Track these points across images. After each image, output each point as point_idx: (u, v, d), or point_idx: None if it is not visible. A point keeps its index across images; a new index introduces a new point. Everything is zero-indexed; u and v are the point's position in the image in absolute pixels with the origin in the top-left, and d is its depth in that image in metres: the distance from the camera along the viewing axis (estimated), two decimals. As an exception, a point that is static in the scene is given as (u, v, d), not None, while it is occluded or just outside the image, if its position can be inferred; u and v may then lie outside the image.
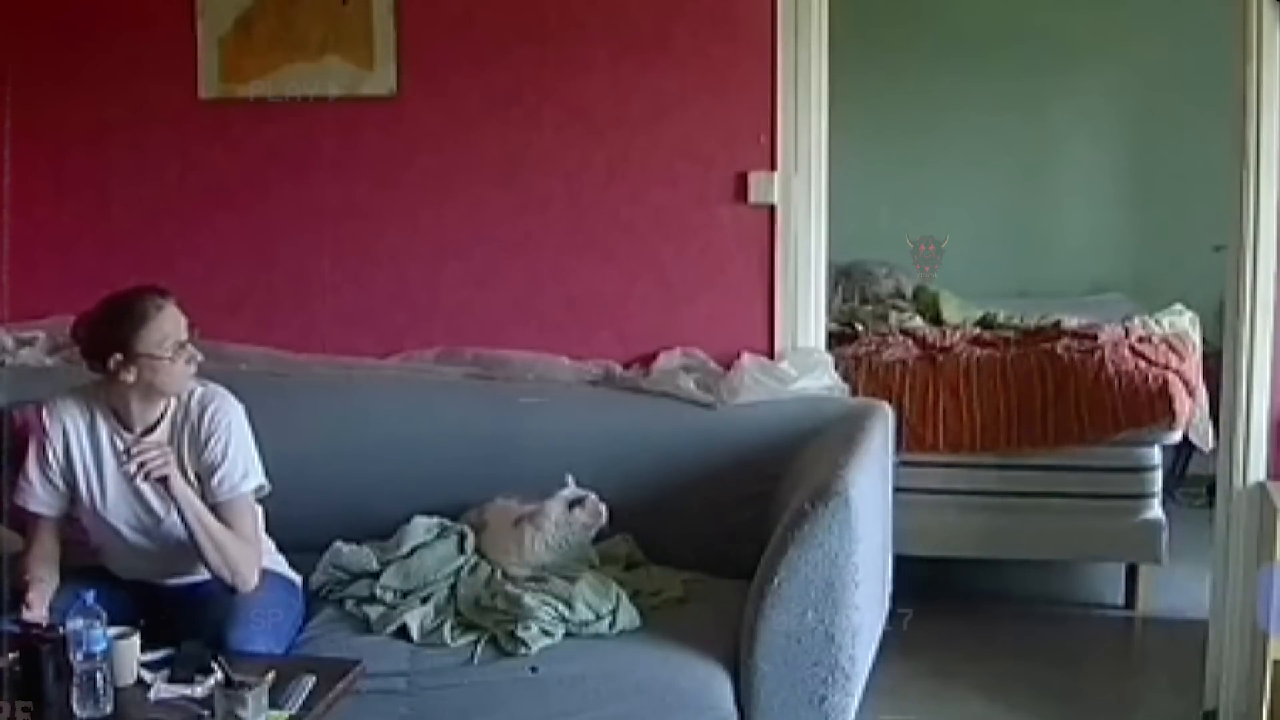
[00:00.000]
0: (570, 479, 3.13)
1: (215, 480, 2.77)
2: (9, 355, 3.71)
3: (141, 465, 2.65)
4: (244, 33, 3.65)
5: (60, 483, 2.80)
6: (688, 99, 3.48)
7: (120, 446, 2.75)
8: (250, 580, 2.75)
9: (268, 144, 3.70)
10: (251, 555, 2.78)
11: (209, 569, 2.74)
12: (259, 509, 2.87)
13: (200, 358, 2.79)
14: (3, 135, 3.50)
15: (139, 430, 2.79)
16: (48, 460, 2.79)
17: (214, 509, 2.76)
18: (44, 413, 2.81)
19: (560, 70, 3.54)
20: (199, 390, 2.83)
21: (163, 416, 2.80)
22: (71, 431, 2.79)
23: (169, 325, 2.73)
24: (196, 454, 2.79)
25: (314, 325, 3.69)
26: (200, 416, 2.79)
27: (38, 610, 2.61)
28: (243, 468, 2.80)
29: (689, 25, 3.47)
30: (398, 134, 3.63)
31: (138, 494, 2.78)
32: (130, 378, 2.72)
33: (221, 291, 3.67)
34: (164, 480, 2.67)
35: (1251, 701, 3.30)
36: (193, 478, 2.78)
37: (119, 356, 2.70)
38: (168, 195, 3.77)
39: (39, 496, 2.80)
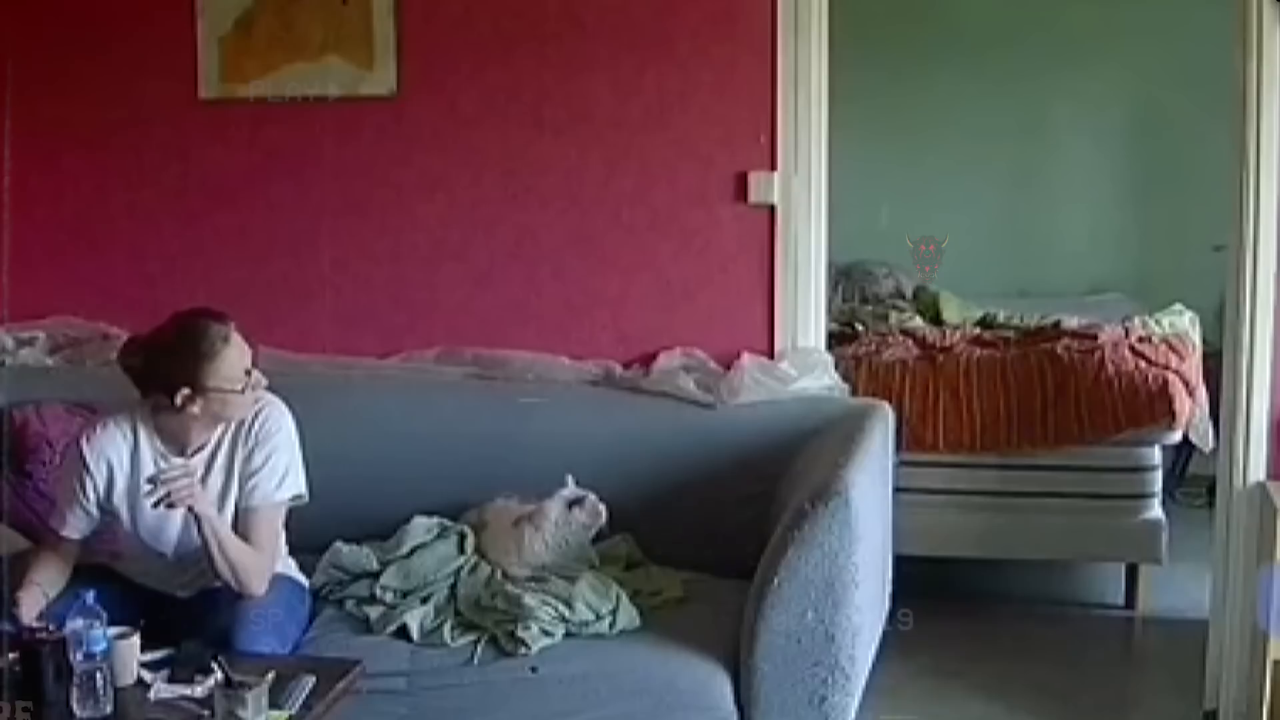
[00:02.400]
0: (570, 479, 3.13)
1: (250, 484, 2.76)
2: (9, 355, 3.71)
3: (167, 494, 2.61)
4: (244, 33, 3.65)
5: (95, 511, 2.77)
6: (688, 99, 3.48)
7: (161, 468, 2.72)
8: (258, 589, 2.73)
9: (268, 144, 3.70)
10: (263, 566, 2.75)
11: (217, 576, 2.73)
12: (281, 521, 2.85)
13: (266, 382, 2.77)
14: (3, 135, 3.51)
15: (190, 451, 2.76)
16: (85, 494, 2.74)
17: (242, 511, 2.76)
18: (84, 443, 2.74)
19: (560, 70, 3.54)
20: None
21: (221, 438, 2.78)
22: (115, 463, 2.74)
23: (237, 356, 2.70)
24: (244, 460, 2.77)
25: (313, 325, 3.69)
26: (251, 425, 2.78)
27: (25, 613, 2.58)
28: (279, 476, 2.78)
29: (689, 25, 3.47)
30: (397, 134, 3.63)
31: (186, 524, 2.73)
32: (196, 410, 2.69)
33: (221, 291, 3.65)
34: (189, 509, 2.65)
35: (1251, 701, 3.30)
36: (236, 485, 2.77)
37: (187, 391, 2.66)
38: (167, 195, 3.77)
39: (70, 524, 2.77)
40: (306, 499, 2.86)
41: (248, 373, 2.72)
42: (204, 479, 2.75)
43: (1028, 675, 3.78)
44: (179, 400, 2.67)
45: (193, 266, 3.74)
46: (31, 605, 2.62)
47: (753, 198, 3.47)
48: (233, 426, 2.78)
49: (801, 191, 3.46)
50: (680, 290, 3.55)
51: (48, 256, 3.80)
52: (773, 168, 3.45)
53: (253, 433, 2.78)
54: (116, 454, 2.75)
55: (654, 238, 3.55)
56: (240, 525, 2.76)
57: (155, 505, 2.63)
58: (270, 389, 2.83)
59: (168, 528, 2.76)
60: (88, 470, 2.73)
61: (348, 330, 3.70)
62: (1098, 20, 6.14)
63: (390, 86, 3.61)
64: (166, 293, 3.71)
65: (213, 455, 2.78)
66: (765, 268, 3.50)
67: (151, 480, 2.64)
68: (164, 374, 2.68)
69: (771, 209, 3.47)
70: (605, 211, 3.57)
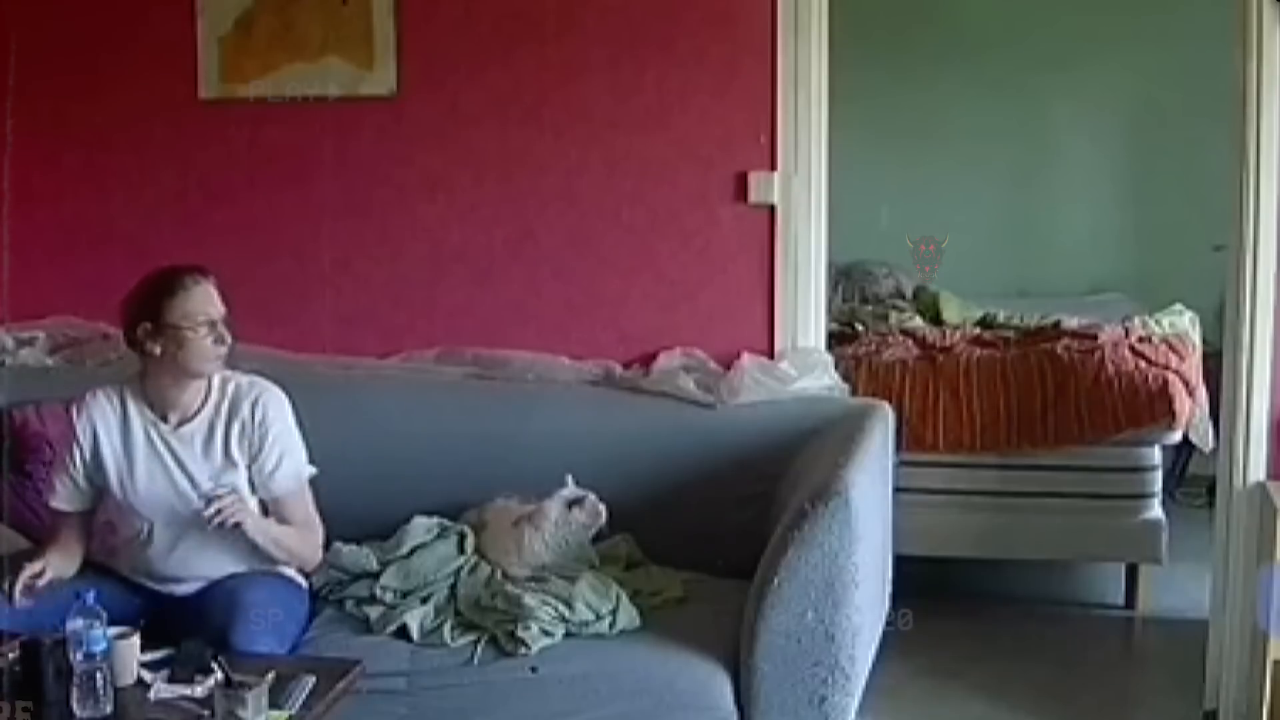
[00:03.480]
0: (570, 479, 3.13)
1: (277, 479, 2.83)
2: (9, 355, 3.71)
3: (217, 512, 2.66)
4: (244, 33, 3.66)
5: (84, 482, 2.81)
6: (688, 99, 3.48)
7: (156, 441, 2.77)
8: (317, 559, 2.92)
9: (268, 144, 3.70)
10: (314, 539, 2.90)
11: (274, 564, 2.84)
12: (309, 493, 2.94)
13: (229, 340, 2.78)
14: (3, 135, 3.50)
15: (175, 420, 2.80)
16: (74, 460, 2.80)
17: (275, 501, 2.83)
18: (73, 413, 2.81)
19: (560, 70, 3.54)
20: (244, 381, 2.85)
21: (202, 406, 2.81)
22: (101, 428, 2.79)
23: (201, 300, 2.74)
24: (246, 448, 2.81)
25: (314, 325, 3.69)
26: (250, 412, 2.81)
27: (24, 575, 2.63)
28: (298, 460, 2.87)
29: (689, 25, 3.47)
30: (397, 134, 3.63)
31: (173, 487, 2.78)
32: (157, 350, 2.73)
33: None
34: (238, 525, 2.70)
35: (1251, 701, 3.30)
36: (242, 466, 2.81)
37: (147, 325, 2.72)
38: (168, 195, 3.77)
39: (60, 494, 2.82)
40: (314, 471, 2.92)
41: (212, 324, 2.74)
42: (203, 458, 2.79)
43: (1028, 675, 3.78)
44: (139, 334, 2.72)
45: (193, 266, 3.74)
46: (34, 568, 2.65)
47: (753, 198, 3.47)
48: (225, 407, 2.80)
49: (801, 191, 3.46)
50: (680, 290, 3.55)
51: (48, 256, 3.80)
52: (773, 168, 3.45)
53: (255, 422, 2.81)
54: (104, 422, 2.79)
55: (654, 238, 3.55)
56: (277, 513, 2.84)
57: (209, 524, 2.67)
58: (264, 377, 2.89)
59: (158, 495, 2.79)
60: (75, 439, 2.79)
61: (348, 330, 3.70)
62: (1098, 21, 6.15)
63: (390, 86, 3.61)
64: (167, 293, 3.72)
65: (208, 438, 2.80)
66: (765, 268, 3.50)
67: (207, 501, 2.68)
68: (132, 312, 2.74)
69: (771, 209, 3.47)
70: (605, 211, 3.57)
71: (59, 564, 2.76)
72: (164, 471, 2.79)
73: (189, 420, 2.81)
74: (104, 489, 2.81)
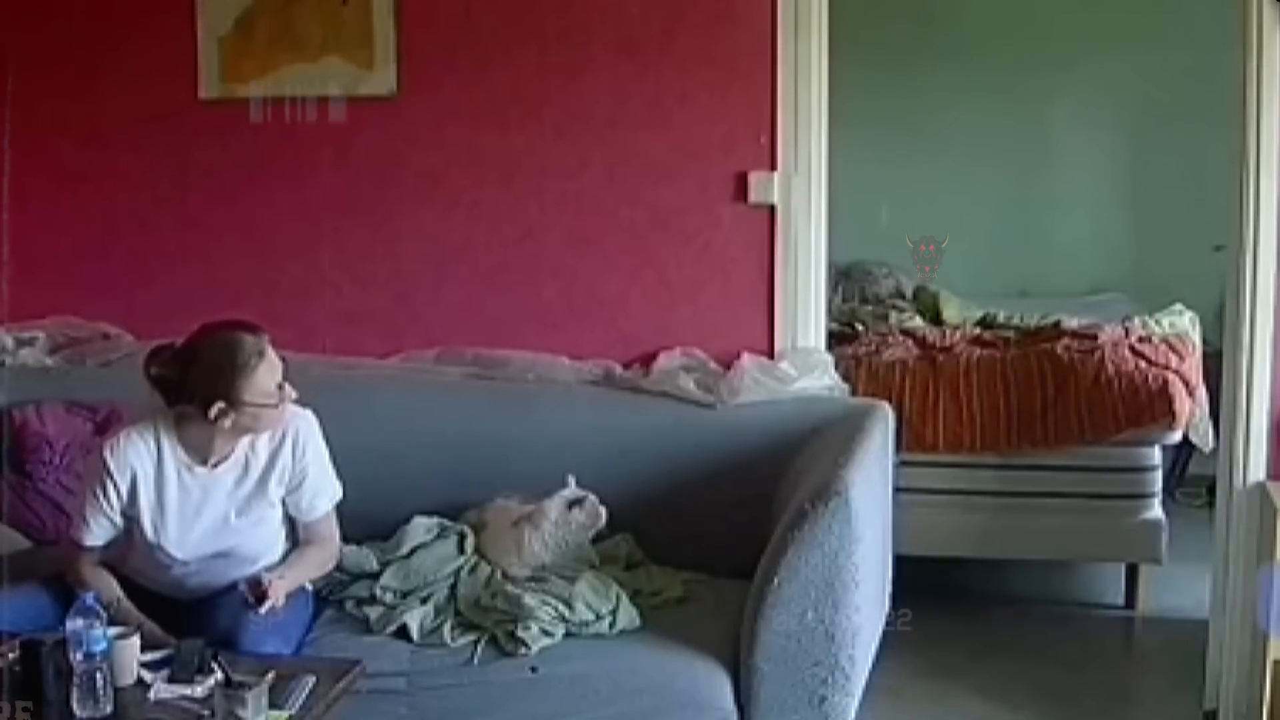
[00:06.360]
0: (571, 479, 3.13)
1: (316, 507, 2.89)
2: (9, 355, 3.71)
3: (262, 599, 2.67)
4: (244, 33, 3.65)
5: (119, 519, 2.76)
6: (688, 99, 3.48)
7: (190, 484, 2.76)
8: (331, 569, 2.97)
9: (268, 143, 3.70)
10: (333, 549, 2.95)
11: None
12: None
13: (295, 395, 2.79)
14: (3, 134, 3.51)
15: (213, 461, 2.78)
16: (110, 503, 2.73)
17: (308, 526, 2.90)
18: (108, 453, 2.73)
19: (560, 70, 3.54)
20: None
21: (248, 451, 2.81)
22: (140, 473, 2.73)
23: (270, 372, 2.72)
24: (285, 482, 2.82)
25: (314, 325, 3.69)
26: (292, 453, 2.82)
27: (107, 588, 2.69)
28: (332, 487, 2.92)
29: (689, 25, 3.47)
30: (397, 134, 3.63)
31: (203, 527, 2.77)
32: (228, 424, 2.70)
33: (221, 291, 3.67)
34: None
35: (1251, 701, 3.30)
36: (276, 494, 2.82)
37: (222, 405, 2.68)
38: (168, 195, 3.77)
39: (94, 533, 2.76)
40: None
41: (280, 386, 2.74)
42: (234, 489, 2.79)
43: (1028, 675, 3.78)
44: (213, 414, 2.68)
45: (193, 266, 3.74)
46: (111, 584, 2.71)
47: (753, 198, 3.47)
48: (262, 447, 2.81)
49: (801, 191, 3.46)
50: (680, 290, 3.55)
51: (48, 256, 3.80)
52: (773, 168, 3.45)
53: (295, 460, 2.82)
54: (140, 464, 2.74)
55: (654, 238, 3.55)
56: (306, 532, 2.91)
57: (252, 611, 2.66)
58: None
59: (188, 537, 2.77)
60: (112, 480, 2.72)
61: (348, 330, 3.70)
62: (1098, 21, 6.16)
63: (390, 86, 3.61)
64: (167, 293, 3.72)
65: (241, 475, 2.80)
66: (765, 268, 3.50)
67: (258, 601, 2.67)
68: (198, 388, 2.69)
69: (771, 209, 3.47)
70: (605, 211, 3.57)
71: (111, 586, 2.74)
72: (195, 513, 2.76)
73: (224, 460, 2.79)
74: (136, 525, 2.77)
